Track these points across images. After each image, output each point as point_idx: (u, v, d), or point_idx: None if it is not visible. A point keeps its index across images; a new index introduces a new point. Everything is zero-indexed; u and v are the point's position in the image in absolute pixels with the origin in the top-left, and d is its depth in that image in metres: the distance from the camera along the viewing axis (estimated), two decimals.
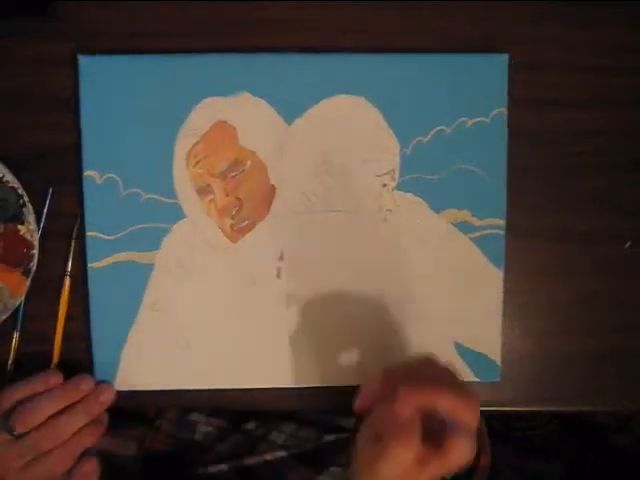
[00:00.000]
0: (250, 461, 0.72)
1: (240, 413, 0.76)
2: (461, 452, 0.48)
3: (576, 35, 0.65)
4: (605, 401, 0.68)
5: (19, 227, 0.61)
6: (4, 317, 0.62)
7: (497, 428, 0.89)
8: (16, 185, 0.60)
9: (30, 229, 0.61)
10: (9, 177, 0.60)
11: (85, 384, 0.60)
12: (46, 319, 0.63)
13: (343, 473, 0.71)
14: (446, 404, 0.48)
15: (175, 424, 0.76)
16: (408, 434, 0.47)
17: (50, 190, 0.62)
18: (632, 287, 0.67)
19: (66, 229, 0.63)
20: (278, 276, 0.62)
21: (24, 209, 0.61)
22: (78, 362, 0.63)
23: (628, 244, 0.66)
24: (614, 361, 0.67)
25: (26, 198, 0.61)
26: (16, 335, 0.63)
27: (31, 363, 0.63)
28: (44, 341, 0.63)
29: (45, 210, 0.62)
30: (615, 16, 0.65)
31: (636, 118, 0.66)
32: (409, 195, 0.63)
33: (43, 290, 0.63)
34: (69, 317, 0.63)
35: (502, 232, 0.64)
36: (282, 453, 0.72)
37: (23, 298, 0.62)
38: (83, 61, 0.60)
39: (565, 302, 0.66)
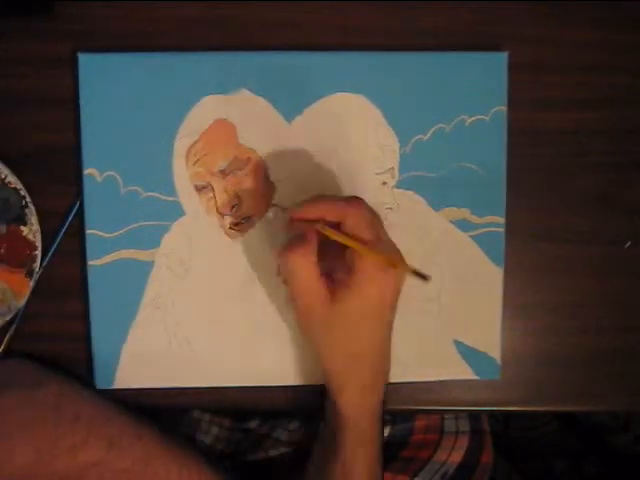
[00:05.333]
0: (254, 458, 0.72)
1: (242, 411, 0.76)
2: (367, 275, 0.51)
3: (576, 35, 0.65)
4: (605, 401, 0.68)
5: (22, 228, 0.61)
6: (7, 318, 0.62)
7: (497, 428, 0.89)
8: (18, 186, 0.60)
9: (33, 230, 0.61)
10: (11, 178, 0.60)
11: None
12: (46, 318, 0.63)
13: None
14: (336, 214, 0.52)
15: (177, 422, 0.75)
16: (304, 244, 0.52)
17: (77, 204, 0.62)
18: (632, 287, 0.67)
19: (66, 228, 0.63)
20: (278, 274, 0.62)
21: (26, 210, 0.60)
22: (78, 361, 0.63)
23: (628, 244, 0.66)
24: (614, 361, 0.67)
25: (28, 199, 0.60)
26: (12, 327, 0.62)
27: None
28: (44, 341, 0.63)
29: (65, 227, 0.63)
30: (615, 16, 0.65)
31: (636, 118, 0.66)
32: (409, 193, 0.63)
33: (43, 288, 0.63)
34: (69, 316, 0.63)
35: (502, 230, 0.64)
36: (285, 449, 0.72)
37: (26, 299, 0.62)
38: (83, 59, 0.60)
39: (565, 302, 0.66)
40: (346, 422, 0.56)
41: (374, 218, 0.53)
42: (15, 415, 0.55)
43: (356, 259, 0.51)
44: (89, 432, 0.56)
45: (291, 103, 0.62)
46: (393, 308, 0.55)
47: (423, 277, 0.50)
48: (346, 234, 0.52)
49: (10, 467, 0.54)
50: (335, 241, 0.52)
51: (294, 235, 0.54)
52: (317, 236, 0.53)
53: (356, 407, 0.56)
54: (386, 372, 0.58)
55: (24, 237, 0.61)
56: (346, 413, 0.56)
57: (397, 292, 0.54)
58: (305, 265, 0.52)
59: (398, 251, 0.54)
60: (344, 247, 0.52)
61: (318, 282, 0.52)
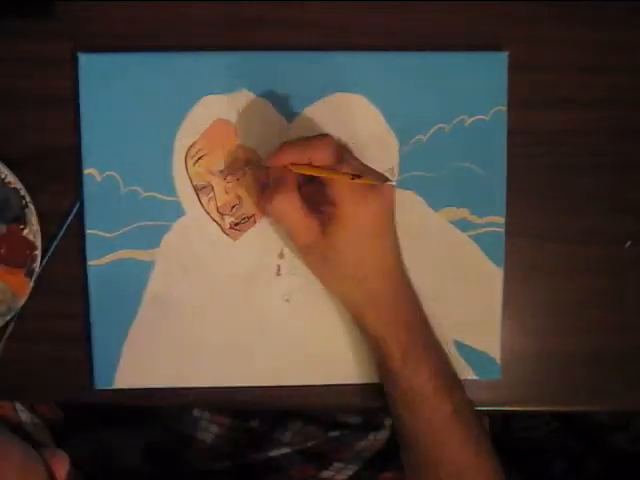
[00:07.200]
0: (254, 458, 0.72)
1: (242, 411, 0.76)
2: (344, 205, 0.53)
3: (576, 35, 0.65)
4: (605, 401, 0.68)
5: (22, 228, 0.61)
6: (7, 318, 0.62)
7: (497, 428, 0.89)
8: (18, 186, 0.60)
9: (33, 230, 0.61)
10: (11, 178, 0.60)
11: None
12: (46, 318, 0.63)
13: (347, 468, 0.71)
14: (304, 153, 0.54)
15: (177, 421, 0.75)
16: (284, 185, 0.55)
17: (77, 204, 0.62)
18: (632, 287, 0.67)
19: (66, 228, 0.63)
20: (278, 273, 0.62)
21: (26, 210, 0.60)
22: (78, 361, 0.63)
23: (628, 244, 0.66)
24: (614, 361, 0.67)
25: (28, 199, 0.60)
26: (11, 325, 0.63)
27: (30, 362, 0.64)
28: (44, 341, 0.64)
29: (65, 227, 0.63)
30: (615, 16, 0.65)
31: (636, 118, 0.66)
32: (409, 193, 0.63)
33: (43, 288, 0.63)
34: (69, 316, 0.63)
35: (502, 230, 0.64)
36: (286, 450, 0.72)
37: (26, 299, 0.62)
38: (83, 59, 0.60)
39: (565, 302, 0.66)
40: (378, 343, 0.58)
41: (339, 146, 0.55)
42: None
43: (335, 191, 0.53)
44: None
45: (291, 103, 0.62)
46: (386, 228, 0.56)
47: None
48: (318, 167, 0.54)
49: None
50: (315, 180, 0.55)
51: (274, 180, 0.56)
52: (295, 177, 0.55)
53: (383, 326, 0.58)
54: (409, 292, 0.59)
55: (24, 237, 0.61)
56: (376, 334, 0.58)
57: (384, 213, 0.55)
58: (290, 204, 0.55)
59: (368, 169, 0.56)
60: (323, 184, 0.55)
61: (307, 218, 0.55)
